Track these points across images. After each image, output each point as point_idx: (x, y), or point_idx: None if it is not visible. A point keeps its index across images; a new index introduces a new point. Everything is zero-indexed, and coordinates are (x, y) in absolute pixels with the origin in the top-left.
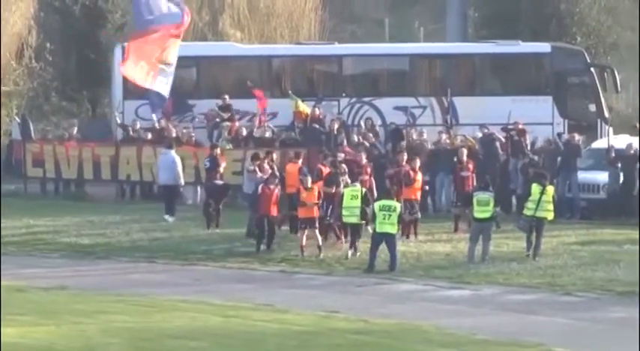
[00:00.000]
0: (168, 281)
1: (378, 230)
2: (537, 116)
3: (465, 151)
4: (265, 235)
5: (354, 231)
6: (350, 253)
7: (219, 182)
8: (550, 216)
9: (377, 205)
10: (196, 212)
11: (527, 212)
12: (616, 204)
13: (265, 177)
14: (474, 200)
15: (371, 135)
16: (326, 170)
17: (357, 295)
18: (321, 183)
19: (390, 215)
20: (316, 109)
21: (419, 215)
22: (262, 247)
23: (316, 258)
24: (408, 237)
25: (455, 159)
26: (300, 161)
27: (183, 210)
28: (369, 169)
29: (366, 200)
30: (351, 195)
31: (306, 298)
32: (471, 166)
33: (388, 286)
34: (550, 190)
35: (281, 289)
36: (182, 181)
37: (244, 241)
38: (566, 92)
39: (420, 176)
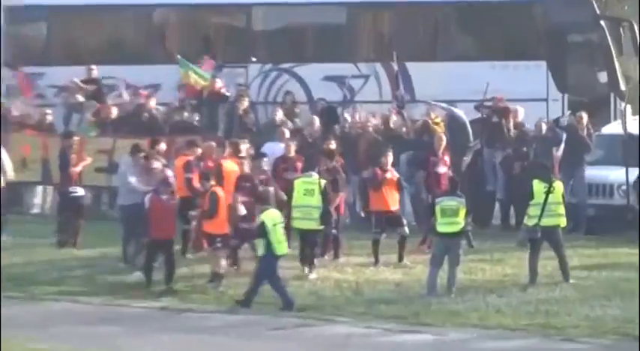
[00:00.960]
0: (6, 321)
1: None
2: (526, 90)
3: (442, 139)
4: (153, 267)
5: (310, 241)
6: (311, 274)
7: (76, 192)
8: (563, 222)
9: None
10: (45, 226)
11: (529, 221)
12: (636, 213)
13: (153, 184)
14: (437, 209)
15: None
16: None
17: (269, 343)
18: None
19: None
20: (216, 79)
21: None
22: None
23: (214, 289)
24: (322, 255)
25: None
26: (194, 153)
27: (27, 222)
28: (298, 164)
29: (325, 196)
30: (305, 189)
31: (194, 346)
32: (447, 159)
33: (316, 328)
34: (559, 186)
35: (159, 332)
36: (5, 179)
37: (112, 266)
38: (566, 56)
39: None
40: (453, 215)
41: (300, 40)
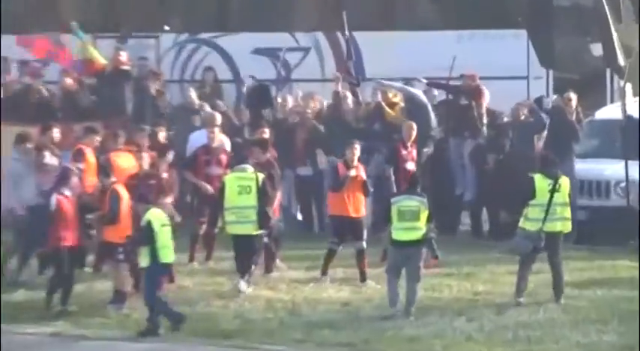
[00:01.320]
0: None
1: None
2: (501, 65)
3: (412, 127)
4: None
5: (247, 247)
6: (242, 285)
7: None
8: (568, 227)
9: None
10: None
11: (527, 225)
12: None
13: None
14: (394, 211)
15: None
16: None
17: None
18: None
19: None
20: (120, 52)
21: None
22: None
23: (116, 311)
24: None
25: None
26: (91, 143)
27: None
28: (223, 157)
29: (263, 194)
30: (239, 185)
31: None
32: (414, 152)
33: None
34: (565, 183)
35: None
36: None
37: None
38: (551, 23)
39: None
40: (412, 219)
41: (223, 3)
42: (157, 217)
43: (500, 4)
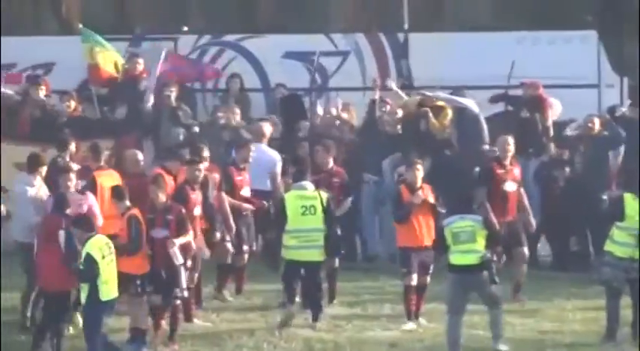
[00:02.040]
0: None
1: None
2: (568, 71)
3: (508, 142)
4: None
5: (314, 276)
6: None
7: None
8: None
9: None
10: None
11: (614, 249)
12: None
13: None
14: (447, 233)
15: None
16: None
17: None
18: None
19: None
20: (136, 59)
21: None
22: None
23: None
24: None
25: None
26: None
27: None
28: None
29: (330, 216)
30: (302, 205)
31: None
32: (517, 171)
33: None
34: None
35: None
36: None
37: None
38: (625, 24)
39: None
40: (468, 241)
41: (250, 1)
42: (98, 246)
43: (567, 1)
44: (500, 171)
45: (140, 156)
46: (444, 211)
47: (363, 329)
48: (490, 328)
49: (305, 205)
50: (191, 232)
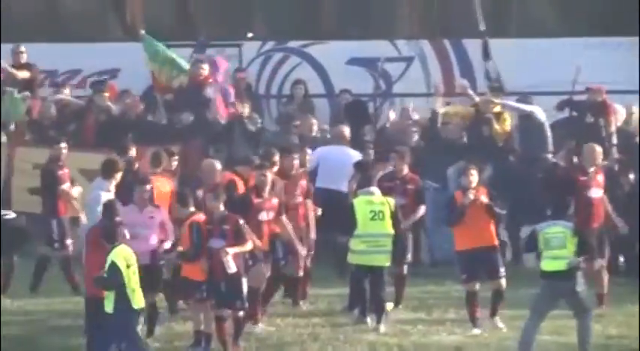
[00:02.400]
0: None
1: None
2: (634, 76)
3: (595, 150)
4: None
5: (379, 281)
6: (382, 327)
7: (7, 215)
8: None
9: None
10: None
11: None
12: None
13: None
14: (540, 239)
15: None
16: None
17: None
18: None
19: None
20: (200, 64)
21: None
22: None
23: None
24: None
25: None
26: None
27: None
28: (303, 184)
29: (397, 221)
30: (371, 210)
31: None
32: (601, 178)
33: None
34: None
35: None
36: None
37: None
38: None
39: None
40: (558, 247)
41: (314, 8)
42: (123, 255)
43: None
44: (583, 178)
45: (218, 165)
46: (503, 212)
47: (427, 333)
48: (578, 335)
49: (374, 210)
50: (250, 243)
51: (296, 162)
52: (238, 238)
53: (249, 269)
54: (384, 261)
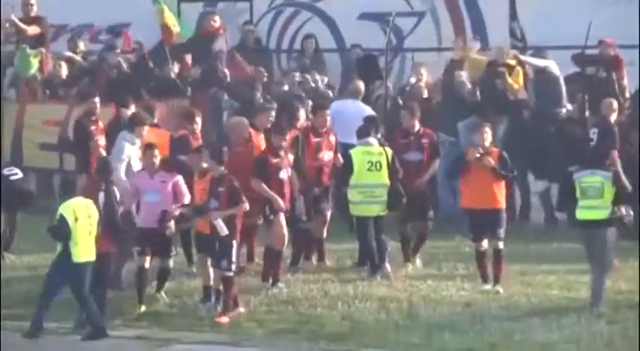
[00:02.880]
0: None
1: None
2: None
3: (612, 104)
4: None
5: (377, 229)
6: (387, 268)
7: (15, 174)
8: None
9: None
10: None
11: None
12: None
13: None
14: (577, 186)
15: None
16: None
17: None
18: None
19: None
20: (212, 16)
21: None
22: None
23: (209, 312)
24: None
25: None
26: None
27: None
28: (332, 140)
29: (395, 172)
30: (369, 161)
31: None
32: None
33: None
34: None
35: None
36: None
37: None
38: None
39: None
40: (595, 196)
41: None
42: (73, 209)
43: None
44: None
45: (246, 122)
46: (511, 174)
47: (437, 289)
48: (591, 289)
49: (371, 161)
50: (244, 205)
51: (329, 118)
52: (232, 200)
53: (270, 228)
54: (379, 211)
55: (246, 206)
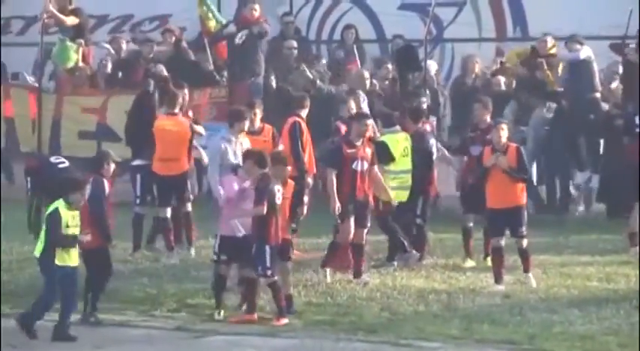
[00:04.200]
0: None
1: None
2: None
3: None
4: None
5: (405, 217)
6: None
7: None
8: None
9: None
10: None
11: None
12: None
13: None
14: None
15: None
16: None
17: None
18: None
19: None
20: (252, 5)
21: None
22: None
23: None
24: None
25: None
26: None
27: None
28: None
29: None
30: (404, 147)
31: None
32: None
33: None
34: None
35: None
36: None
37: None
38: None
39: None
40: None
41: None
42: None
43: None
44: None
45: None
46: (525, 176)
47: (476, 281)
48: None
49: (406, 147)
50: (261, 209)
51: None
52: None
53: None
54: (405, 197)
55: (263, 210)
